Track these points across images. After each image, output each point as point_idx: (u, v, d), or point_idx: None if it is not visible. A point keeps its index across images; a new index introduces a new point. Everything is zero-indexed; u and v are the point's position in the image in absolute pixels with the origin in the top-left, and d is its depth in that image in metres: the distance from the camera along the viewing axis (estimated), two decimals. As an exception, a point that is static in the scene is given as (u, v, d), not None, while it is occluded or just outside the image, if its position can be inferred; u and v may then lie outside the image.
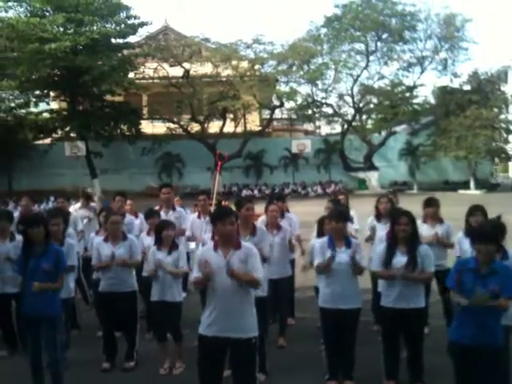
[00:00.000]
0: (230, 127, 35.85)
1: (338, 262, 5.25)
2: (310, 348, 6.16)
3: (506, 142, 34.57)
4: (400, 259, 5.10)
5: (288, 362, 5.96)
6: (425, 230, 6.50)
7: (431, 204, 6.71)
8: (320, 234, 6.18)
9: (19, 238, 6.17)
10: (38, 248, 5.07)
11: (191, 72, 34.12)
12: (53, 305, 5.04)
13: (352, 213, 7.20)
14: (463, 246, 5.83)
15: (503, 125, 34.37)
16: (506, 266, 4.38)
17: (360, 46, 35.72)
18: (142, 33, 34.00)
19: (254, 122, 36.93)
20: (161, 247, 6.01)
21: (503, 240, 4.96)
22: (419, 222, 6.65)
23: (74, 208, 9.38)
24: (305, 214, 10.18)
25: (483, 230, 4.44)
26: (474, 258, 4.30)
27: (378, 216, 7.00)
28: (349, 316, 5.29)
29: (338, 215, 5.48)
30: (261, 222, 6.86)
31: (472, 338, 4.15)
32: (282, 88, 35.72)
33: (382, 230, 6.61)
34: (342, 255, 5.27)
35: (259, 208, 6.90)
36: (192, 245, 8.28)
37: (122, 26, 31.85)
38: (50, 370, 5.11)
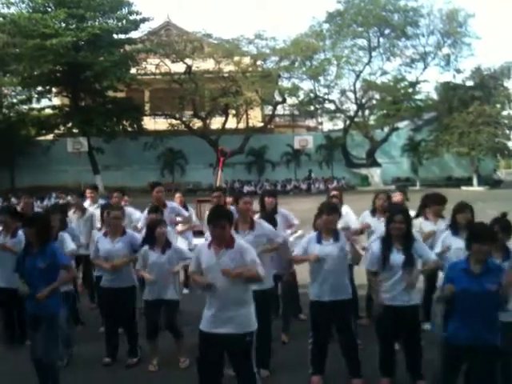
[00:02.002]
0: (232, 123, 35.83)
1: (326, 255, 5.22)
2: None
3: (509, 138, 34.48)
4: (396, 257, 5.06)
5: (291, 359, 5.94)
6: (428, 226, 6.55)
7: (441, 203, 6.74)
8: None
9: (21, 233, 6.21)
10: (36, 247, 5.04)
11: (193, 68, 34.12)
12: (52, 304, 5.01)
13: (345, 209, 7.15)
14: (453, 245, 5.66)
15: (506, 121, 34.28)
16: (498, 264, 4.38)
17: (362, 42, 35.71)
18: (144, 28, 34.15)
19: (256, 118, 36.92)
20: (154, 247, 5.94)
21: (509, 239, 4.89)
22: (421, 218, 6.72)
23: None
24: (306, 211, 10.11)
25: (484, 229, 4.37)
26: (465, 258, 4.29)
27: (374, 211, 6.99)
28: (340, 308, 5.25)
29: (329, 208, 5.48)
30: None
31: (469, 338, 4.15)
32: (285, 84, 35.70)
33: (375, 224, 6.65)
34: (329, 247, 5.25)
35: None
36: (195, 240, 8.30)
37: (124, 21, 31.90)
38: (46, 366, 5.09)
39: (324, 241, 5.30)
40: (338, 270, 5.27)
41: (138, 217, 7.96)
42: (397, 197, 7.24)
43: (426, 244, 5.57)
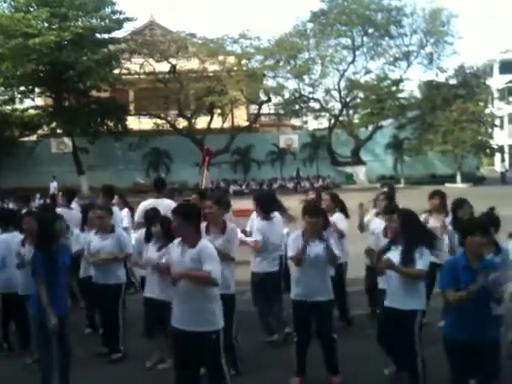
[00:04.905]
0: (217, 123, 35.80)
1: (310, 255, 5.21)
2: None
3: (491, 136, 34.87)
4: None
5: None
6: (431, 222, 6.57)
7: (435, 196, 6.75)
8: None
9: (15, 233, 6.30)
10: None
11: (178, 67, 34.01)
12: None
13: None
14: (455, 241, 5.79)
15: (489, 119, 34.68)
16: (494, 261, 4.37)
17: (346, 41, 35.81)
18: (128, 28, 33.91)
19: (241, 117, 36.92)
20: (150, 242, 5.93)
21: (497, 233, 4.91)
22: (424, 215, 6.71)
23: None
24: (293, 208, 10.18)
25: (475, 221, 4.37)
26: (463, 254, 4.21)
27: (377, 213, 6.96)
28: (321, 308, 5.25)
29: (312, 210, 5.44)
30: (252, 218, 6.84)
31: (470, 333, 4.09)
32: (269, 83, 35.76)
33: (378, 225, 6.63)
34: (315, 249, 5.22)
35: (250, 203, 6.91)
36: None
37: (107, 21, 31.64)
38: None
39: (310, 242, 5.25)
40: (322, 271, 5.30)
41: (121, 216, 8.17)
42: (382, 203, 7.10)
43: None
